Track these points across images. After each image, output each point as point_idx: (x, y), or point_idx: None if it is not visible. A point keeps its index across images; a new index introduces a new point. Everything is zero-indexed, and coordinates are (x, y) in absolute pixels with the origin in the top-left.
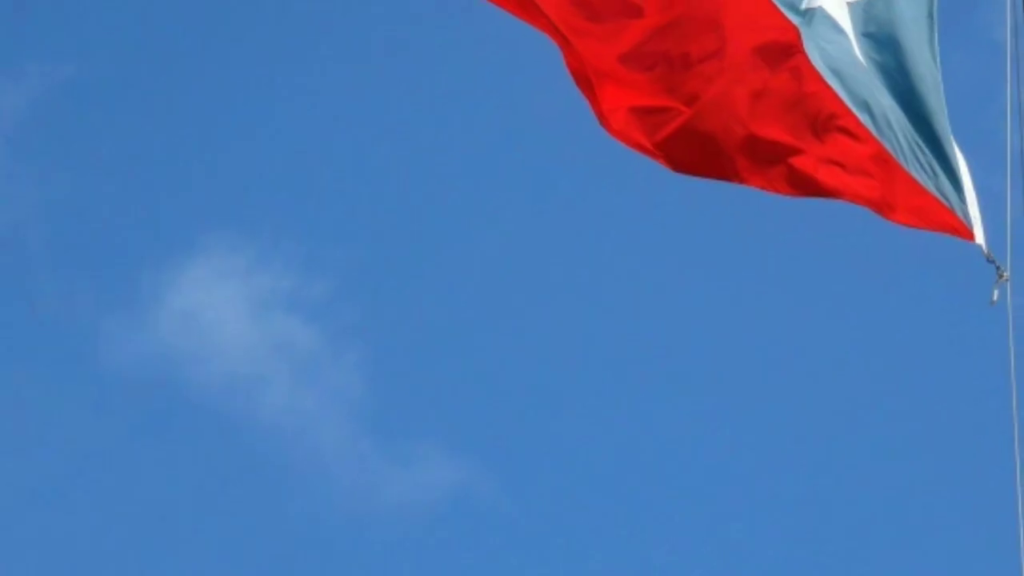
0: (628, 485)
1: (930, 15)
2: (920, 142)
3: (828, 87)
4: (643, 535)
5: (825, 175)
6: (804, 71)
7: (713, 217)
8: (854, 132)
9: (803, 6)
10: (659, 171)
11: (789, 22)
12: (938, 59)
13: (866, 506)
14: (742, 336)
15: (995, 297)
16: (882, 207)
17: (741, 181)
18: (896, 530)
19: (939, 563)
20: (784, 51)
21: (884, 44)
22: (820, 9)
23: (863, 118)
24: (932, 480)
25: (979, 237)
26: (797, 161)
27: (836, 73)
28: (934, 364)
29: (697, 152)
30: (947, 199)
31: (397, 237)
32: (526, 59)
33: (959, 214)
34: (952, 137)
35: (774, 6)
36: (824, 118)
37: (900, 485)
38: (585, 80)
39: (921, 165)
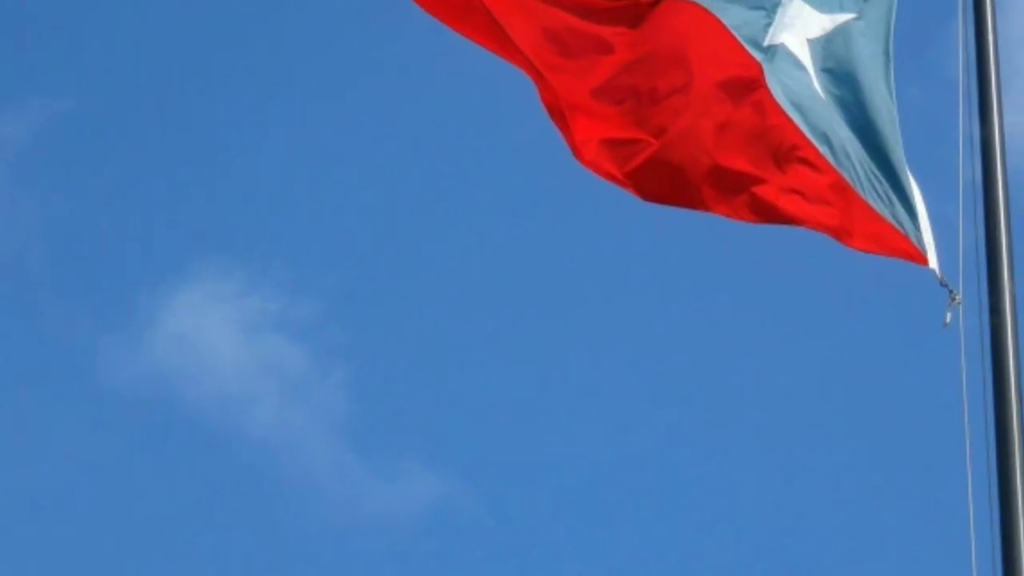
0: (603, 499)
1: (886, 52)
2: (877, 172)
3: (789, 120)
4: (617, 547)
5: (787, 203)
6: (767, 105)
7: (680, 244)
8: (814, 163)
9: (765, 43)
10: (629, 200)
11: (752, 58)
12: (894, 94)
13: (826, 519)
14: (710, 356)
15: (948, 319)
16: (841, 234)
17: (707, 209)
18: (853, 543)
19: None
20: (747, 86)
21: (842, 79)
22: (782, 46)
23: (822, 149)
24: (888, 494)
25: (933, 262)
26: (760, 190)
27: (797, 107)
28: (891, 382)
29: (665, 182)
30: (902, 226)
31: (381, 263)
32: (503, 93)
33: (914, 240)
34: (907, 168)
35: (738, 43)
36: (786, 149)
37: (858, 499)
38: (559, 113)
39: (878, 194)
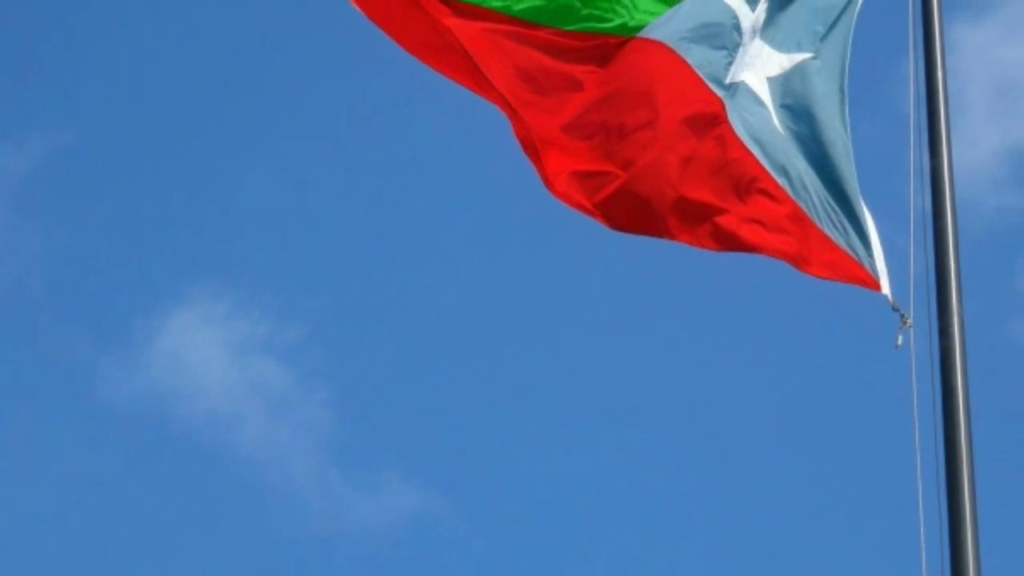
0: (573, 512)
1: (841, 89)
2: (832, 203)
3: (750, 153)
4: (590, 557)
5: (747, 232)
6: (728, 139)
7: (646, 271)
8: (773, 194)
9: (727, 81)
10: (598, 229)
11: (715, 95)
12: (849, 128)
13: (782, 532)
14: (675, 376)
15: (900, 342)
16: (798, 261)
17: (672, 238)
18: (808, 555)
19: None
20: (710, 121)
21: (800, 115)
22: (743, 84)
23: (781, 181)
24: (842, 506)
25: (885, 288)
26: (722, 220)
27: (757, 141)
28: (846, 401)
29: (632, 212)
30: (856, 254)
31: (363, 288)
32: (480, 128)
33: (867, 267)
34: (861, 198)
35: (701, 81)
36: (746, 181)
37: (813, 512)
38: (532, 147)
39: (833, 223)
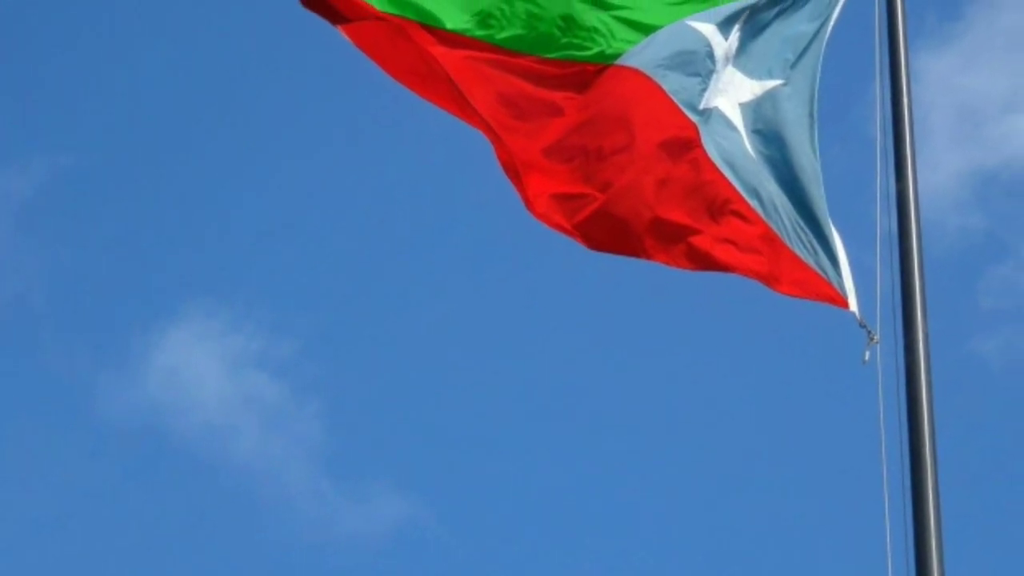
0: (556, 521)
1: (811, 115)
2: (802, 224)
3: (723, 176)
4: (567, 564)
5: (720, 252)
6: (702, 162)
7: (623, 288)
8: (745, 215)
9: (701, 107)
10: (577, 248)
11: (689, 120)
12: (818, 152)
13: (752, 543)
14: (652, 390)
15: (867, 357)
16: (770, 280)
17: (648, 257)
18: (777, 566)
19: None
20: (685, 145)
21: (771, 140)
22: (716, 109)
23: (753, 203)
24: (810, 516)
25: (853, 305)
26: (696, 240)
27: (730, 164)
28: (815, 414)
29: (610, 232)
30: (825, 273)
31: (353, 306)
32: (464, 152)
33: (836, 286)
34: (830, 219)
35: (676, 107)
36: (720, 203)
37: (781, 523)
38: (513, 170)
39: (803, 244)
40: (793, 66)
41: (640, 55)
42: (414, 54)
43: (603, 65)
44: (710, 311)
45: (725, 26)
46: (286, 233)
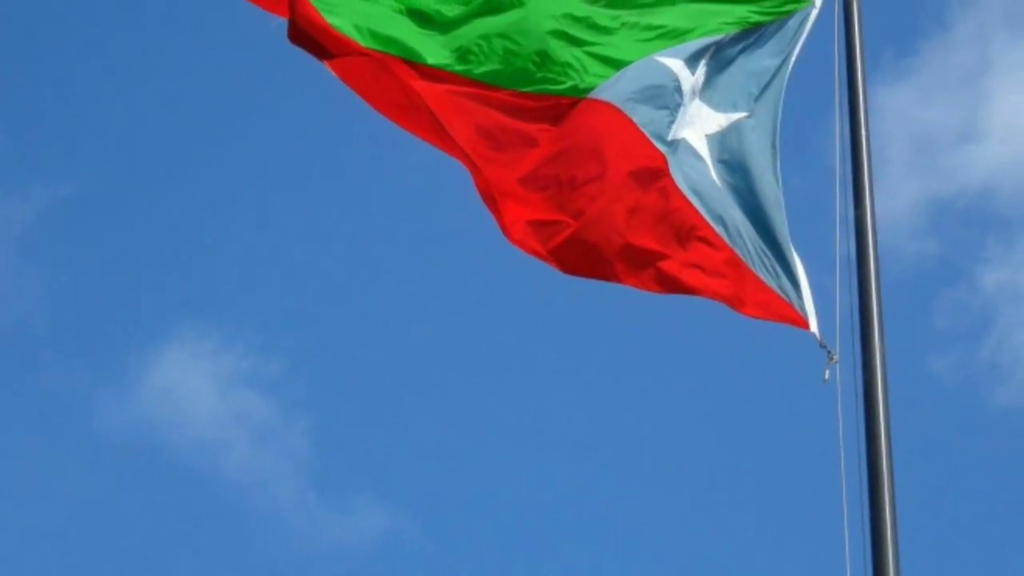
0: (533, 531)
1: (773, 145)
2: (765, 249)
3: (690, 204)
4: (546, 574)
5: (688, 276)
6: (670, 191)
7: (596, 311)
8: (711, 241)
9: (669, 138)
10: (552, 273)
11: (658, 151)
12: (780, 181)
13: (716, 556)
14: (623, 407)
15: (827, 376)
16: (734, 302)
17: (619, 281)
18: None
19: None
20: (654, 175)
21: (736, 169)
22: (683, 140)
23: (719, 229)
24: (771, 529)
25: (813, 326)
26: (665, 265)
27: (696, 193)
28: (776, 431)
29: (583, 257)
30: (787, 295)
31: (339, 326)
32: (443, 181)
33: (797, 308)
34: (791, 245)
35: (645, 138)
36: (687, 229)
37: (744, 537)
38: (491, 198)
39: (766, 268)
40: (757, 99)
41: (611, 89)
42: (396, 88)
43: (576, 99)
44: (679, 332)
45: (692, 61)
46: (275, 258)
